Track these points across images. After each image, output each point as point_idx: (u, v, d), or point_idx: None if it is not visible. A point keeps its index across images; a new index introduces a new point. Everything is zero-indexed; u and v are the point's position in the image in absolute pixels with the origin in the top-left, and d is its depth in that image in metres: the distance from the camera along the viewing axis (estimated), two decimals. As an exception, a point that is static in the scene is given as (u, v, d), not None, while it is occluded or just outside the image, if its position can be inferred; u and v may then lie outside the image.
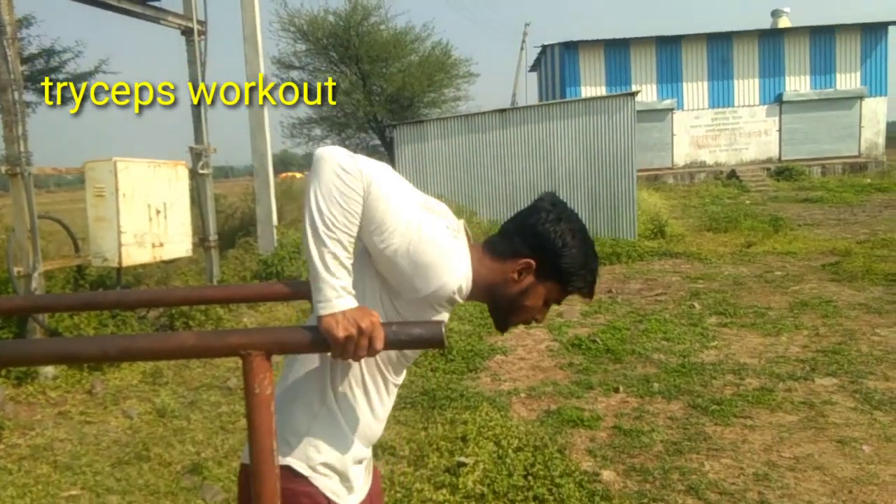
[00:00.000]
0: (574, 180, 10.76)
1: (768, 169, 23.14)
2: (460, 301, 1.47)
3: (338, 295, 1.27)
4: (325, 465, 1.43)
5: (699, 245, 10.08)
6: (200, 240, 6.27)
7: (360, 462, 1.52)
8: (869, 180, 20.13)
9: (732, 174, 22.95)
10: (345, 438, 1.45)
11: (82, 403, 4.18)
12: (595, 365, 4.70)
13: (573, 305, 6.57)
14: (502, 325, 1.56)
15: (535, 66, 31.61)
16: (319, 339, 1.29)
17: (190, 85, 6.26)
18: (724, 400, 3.92)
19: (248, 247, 8.00)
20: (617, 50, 24.03)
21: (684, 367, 4.52)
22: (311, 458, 1.42)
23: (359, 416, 1.47)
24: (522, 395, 4.22)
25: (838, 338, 5.04)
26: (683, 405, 3.92)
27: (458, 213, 7.69)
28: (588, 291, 1.55)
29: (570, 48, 23.95)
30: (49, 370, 4.48)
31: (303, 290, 1.64)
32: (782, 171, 22.63)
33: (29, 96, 12.52)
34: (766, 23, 25.62)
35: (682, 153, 24.29)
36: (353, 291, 1.31)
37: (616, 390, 4.20)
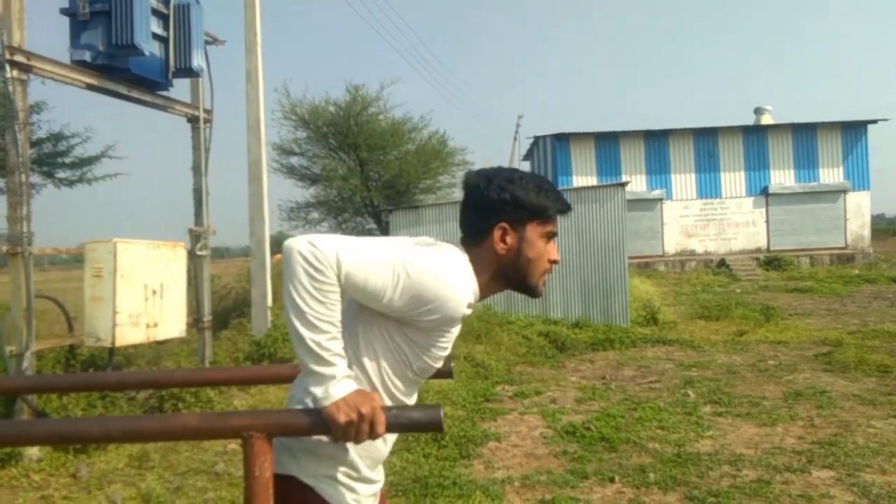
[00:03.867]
0: (567, 267, 10.89)
1: (757, 258, 23.48)
2: (470, 310, 1.50)
3: (335, 383, 1.31)
4: (330, 477, 1.45)
5: (692, 333, 10.10)
6: (194, 320, 6.27)
7: (367, 482, 1.53)
8: (857, 271, 20.41)
9: (722, 263, 23.26)
10: (351, 457, 1.47)
11: (66, 487, 4.07)
12: (590, 453, 4.63)
13: (567, 392, 6.52)
14: (532, 290, 1.60)
15: (528, 156, 32.54)
16: (321, 422, 1.32)
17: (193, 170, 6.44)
18: (721, 492, 3.86)
19: (241, 328, 7.98)
20: (607, 142, 24.84)
21: (680, 457, 4.47)
22: (316, 470, 1.45)
23: (373, 444, 1.48)
24: (516, 483, 4.14)
25: (834, 429, 5.01)
26: (680, 497, 3.85)
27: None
28: (562, 205, 1.60)
29: (562, 139, 24.76)
30: (34, 452, 4.38)
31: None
32: (771, 261, 22.95)
33: (35, 178, 12.76)
34: (749, 119, 26.65)
35: (673, 241, 24.67)
36: (351, 373, 1.35)
37: (611, 480, 4.13)
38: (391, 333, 1.47)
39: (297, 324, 1.32)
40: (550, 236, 1.60)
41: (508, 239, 1.55)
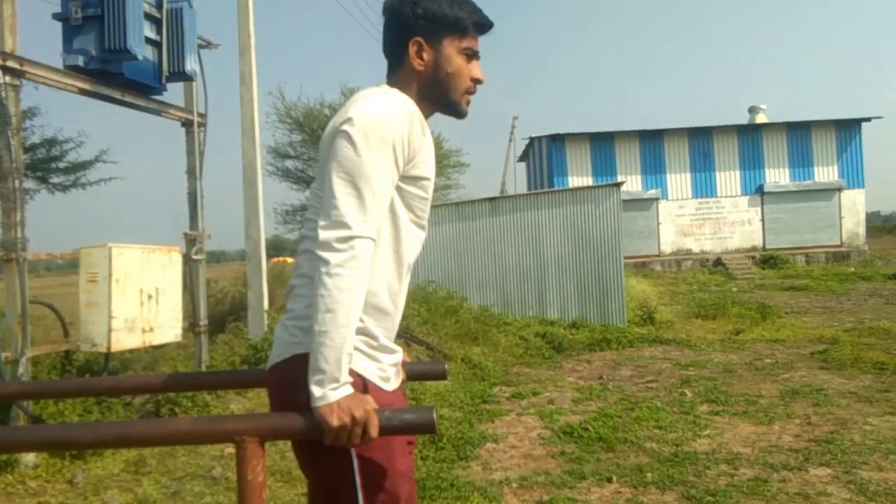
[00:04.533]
0: (563, 267, 10.91)
1: (753, 257, 23.55)
2: (422, 126, 1.53)
3: (336, 386, 1.31)
4: (354, 348, 1.44)
5: (688, 332, 10.12)
6: (190, 324, 6.25)
7: (388, 351, 1.54)
8: (853, 269, 20.49)
9: (718, 262, 23.32)
10: (366, 326, 1.48)
11: (62, 494, 4.05)
12: (587, 454, 4.63)
13: (564, 392, 6.52)
14: (456, 108, 1.61)
15: (524, 157, 32.57)
16: (314, 425, 1.32)
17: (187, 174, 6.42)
18: (719, 491, 3.86)
19: (237, 331, 7.96)
20: (602, 142, 24.90)
21: (677, 457, 4.47)
22: None
23: (378, 304, 1.50)
24: (514, 484, 4.14)
25: (830, 427, 5.02)
26: (678, 496, 3.85)
27: (448, 298, 7.60)
28: (478, 18, 1.58)
29: (557, 140, 24.80)
30: (30, 459, 4.36)
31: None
32: (767, 260, 23.04)
33: (29, 184, 12.73)
34: (743, 118, 26.73)
35: (669, 241, 24.73)
36: (350, 379, 1.35)
37: (609, 480, 4.13)
38: (395, 202, 1.51)
39: (328, 319, 1.32)
40: (471, 53, 1.59)
41: (425, 55, 1.56)
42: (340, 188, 1.39)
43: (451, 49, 1.56)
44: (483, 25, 1.60)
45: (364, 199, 1.39)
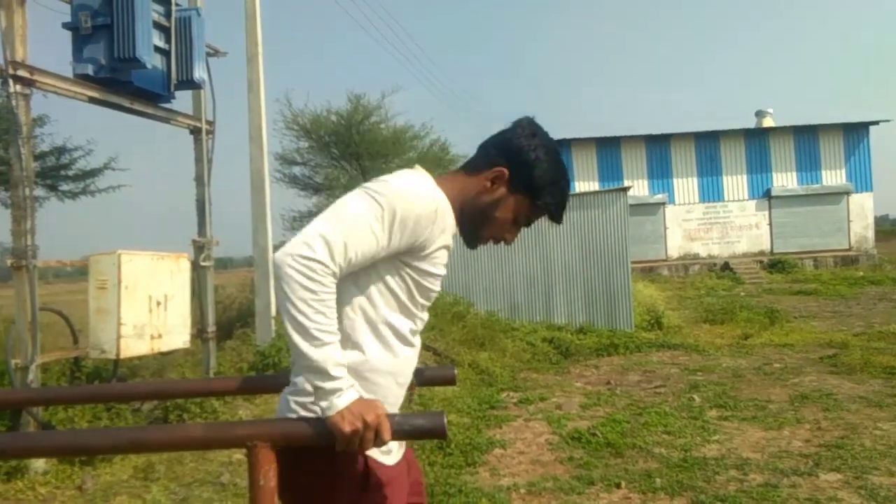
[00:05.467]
0: (570, 272, 10.90)
1: (761, 261, 23.44)
2: (448, 228, 1.50)
3: (339, 394, 1.32)
4: None
5: (696, 337, 10.09)
6: (199, 331, 6.27)
7: None
8: (861, 273, 20.37)
9: (726, 266, 23.22)
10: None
11: (71, 500, 4.07)
12: (596, 459, 4.62)
13: (572, 398, 6.51)
14: (472, 239, 1.61)
15: (530, 162, 32.53)
16: (326, 432, 1.32)
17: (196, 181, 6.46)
18: (729, 497, 3.84)
19: (245, 338, 7.99)
20: (608, 147, 24.87)
21: (686, 462, 4.45)
22: None
23: (382, 382, 1.50)
24: (522, 490, 4.13)
25: (840, 432, 4.99)
26: (687, 502, 3.84)
27: (455, 304, 7.59)
28: (556, 210, 1.61)
29: (563, 145, 24.77)
30: (40, 465, 4.38)
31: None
32: (775, 264, 22.91)
33: (39, 191, 12.79)
34: (750, 122, 26.66)
35: (676, 245, 24.66)
36: (354, 383, 1.36)
37: (618, 486, 4.11)
38: (386, 273, 1.48)
39: (301, 341, 1.32)
40: (523, 221, 1.62)
41: (497, 188, 1.56)
42: (327, 216, 1.38)
43: (516, 204, 1.58)
44: (552, 216, 1.63)
45: (338, 237, 1.34)
